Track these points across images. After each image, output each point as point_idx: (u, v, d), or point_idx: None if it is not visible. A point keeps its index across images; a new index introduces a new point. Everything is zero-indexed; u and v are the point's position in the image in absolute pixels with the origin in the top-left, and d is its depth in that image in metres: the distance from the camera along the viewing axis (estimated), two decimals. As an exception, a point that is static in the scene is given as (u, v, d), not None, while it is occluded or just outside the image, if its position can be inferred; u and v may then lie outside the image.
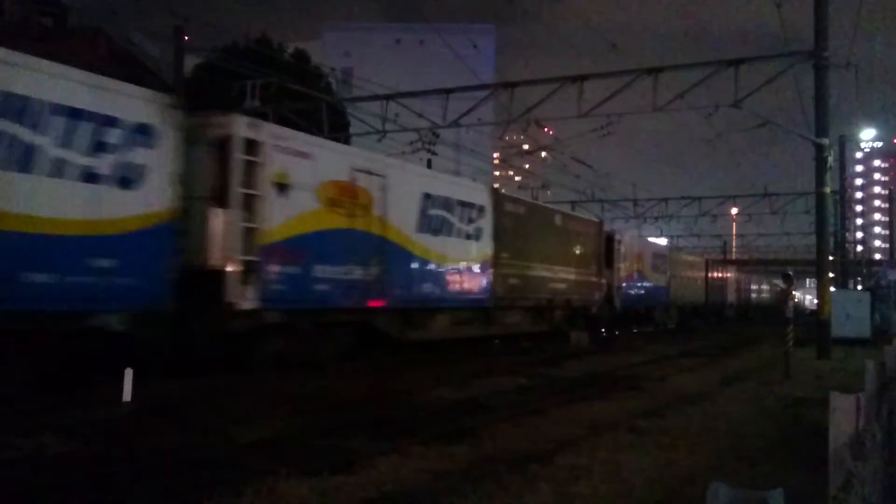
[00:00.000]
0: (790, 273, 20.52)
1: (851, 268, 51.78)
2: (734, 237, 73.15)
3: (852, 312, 25.73)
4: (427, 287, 17.34)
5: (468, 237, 18.91)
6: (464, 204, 18.70)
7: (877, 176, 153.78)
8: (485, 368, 15.67)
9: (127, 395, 10.05)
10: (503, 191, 24.74)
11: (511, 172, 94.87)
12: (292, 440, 8.20)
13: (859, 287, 48.33)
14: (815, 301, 23.54)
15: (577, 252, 25.21)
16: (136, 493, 5.99)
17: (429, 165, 33.35)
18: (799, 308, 56.85)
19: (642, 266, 33.41)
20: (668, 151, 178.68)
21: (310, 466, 6.66)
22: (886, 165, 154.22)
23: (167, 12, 23.74)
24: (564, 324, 24.26)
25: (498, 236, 19.99)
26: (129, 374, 10.09)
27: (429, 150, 26.42)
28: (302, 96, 25.73)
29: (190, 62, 29.06)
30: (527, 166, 68.31)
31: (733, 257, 72.77)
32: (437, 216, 17.65)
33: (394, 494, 6.13)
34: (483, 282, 19.56)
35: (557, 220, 24.45)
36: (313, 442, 8.10)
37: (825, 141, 19.71)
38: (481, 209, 19.48)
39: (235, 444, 8.00)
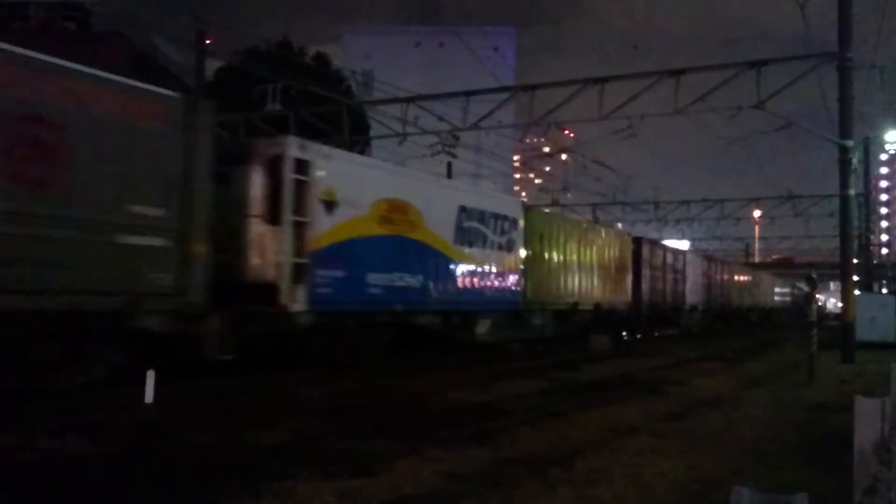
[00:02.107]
0: (813, 275, 20.36)
1: (876, 271, 51.34)
2: (756, 240, 72.66)
3: (877, 316, 25.49)
4: None
5: None
6: None
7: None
8: (503, 372, 15.66)
9: (149, 396, 10.12)
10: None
11: (531, 175, 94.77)
12: (311, 442, 8.21)
13: (884, 290, 47.90)
14: (839, 304, 23.31)
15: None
16: (157, 494, 6.03)
17: (449, 168, 33.45)
18: (822, 311, 54.31)
19: (420, 228, 17.25)
20: (689, 153, 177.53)
21: (330, 469, 6.67)
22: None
23: (189, 16, 23.93)
24: None
25: None
26: (150, 376, 10.15)
27: (449, 153, 26.44)
28: (322, 99, 25.85)
29: (211, 65, 29.27)
30: (547, 169, 68.28)
31: (756, 260, 72.19)
32: None
33: (414, 497, 6.12)
34: None
35: None
36: (333, 444, 8.10)
37: (849, 143, 19.52)
38: None
39: (255, 446, 8.02)
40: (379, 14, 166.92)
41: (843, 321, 20.19)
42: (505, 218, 20.62)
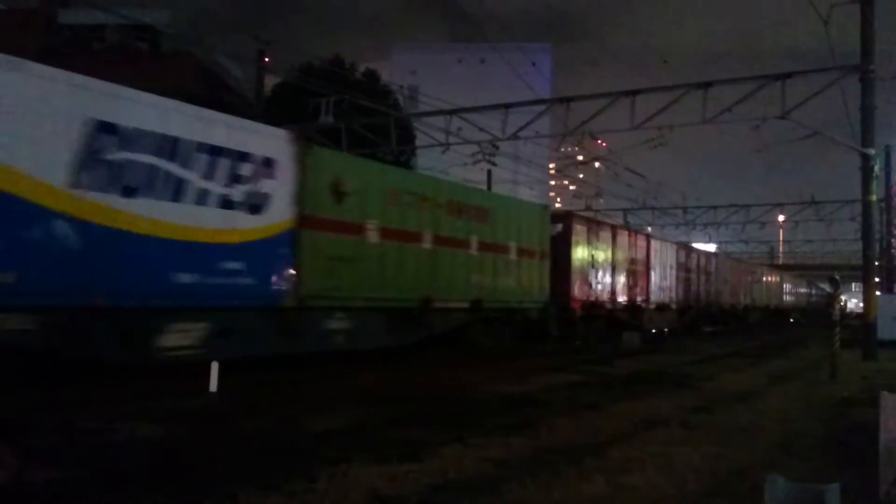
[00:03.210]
0: (837, 277, 19.90)
1: (897, 273, 50.08)
2: (781, 243, 71.39)
3: (898, 316, 24.86)
4: None
5: None
6: None
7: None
8: (539, 366, 15.58)
9: (213, 385, 10.26)
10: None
11: (566, 182, 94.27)
12: (361, 430, 8.24)
13: (904, 292, 46.72)
14: (860, 305, 22.80)
15: None
16: (221, 474, 6.09)
17: (489, 176, 33.39)
18: (843, 311, 51.74)
19: None
20: (717, 161, 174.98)
21: (378, 454, 6.68)
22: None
23: (250, 36, 24.24)
24: None
25: None
26: (215, 366, 10.30)
27: (489, 162, 26.39)
28: (371, 112, 25.99)
29: (270, 81, 29.60)
30: (581, 176, 67.80)
31: (780, 262, 70.87)
32: None
33: (457, 481, 6.10)
34: None
35: None
36: (381, 432, 8.12)
37: (871, 151, 19.09)
38: None
39: (309, 432, 8.08)
40: (424, 33, 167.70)
41: (864, 320, 19.76)
42: (241, 156, 11.94)
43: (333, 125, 23.81)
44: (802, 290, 66.95)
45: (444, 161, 25.28)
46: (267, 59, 25.65)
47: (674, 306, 30.16)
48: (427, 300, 15.79)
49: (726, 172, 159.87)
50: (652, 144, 23.54)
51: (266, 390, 11.03)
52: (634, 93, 20.83)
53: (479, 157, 25.68)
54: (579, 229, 22.63)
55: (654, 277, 28.35)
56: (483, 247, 17.69)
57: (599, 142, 35.10)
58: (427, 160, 30.29)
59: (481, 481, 6.11)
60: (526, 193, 49.28)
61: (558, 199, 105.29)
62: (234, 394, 10.18)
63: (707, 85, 20.08)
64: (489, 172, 32.33)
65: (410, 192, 15.69)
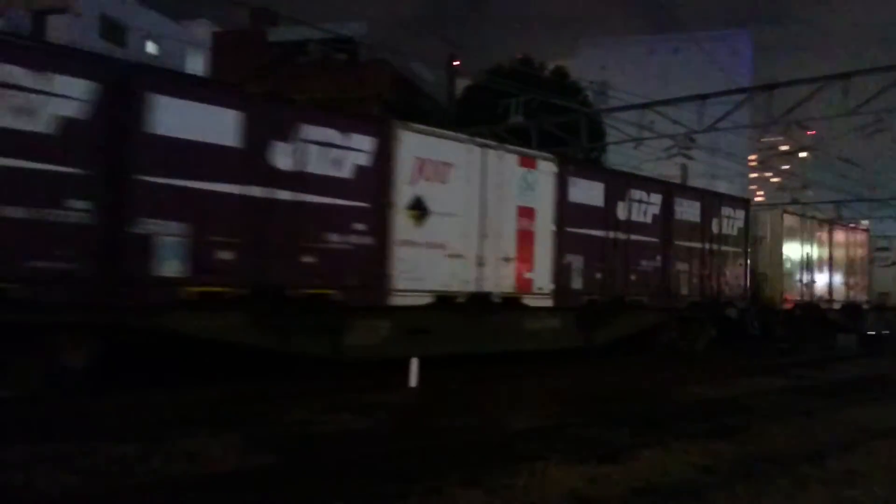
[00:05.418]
0: None
1: None
2: None
3: None
4: None
5: None
6: None
7: None
8: (742, 368, 14.80)
9: (413, 381, 10.63)
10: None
11: (768, 174, 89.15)
12: (558, 429, 8.20)
13: None
14: None
15: None
16: (423, 467, 6.27)
17: (684, 171, 32.24)
18: None
19: None
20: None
21: (577, 454, 6.63)
22: None
23: (441, 41, 24.89)
24: None
25: None
26: (415, 362, 10.67)
27: (685, 155, 25.45)
28: (561, 110, 25.85)
29: (461, 84, 30.22)
30: (786, 167, 63.73)
31: None
32: None
33: (660, 485, 5.93)
34: None
35: None
36: (578, 432, 8.04)
37: None
38: None
39: (507, 429, 8.15)
40: (615, 26, 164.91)
41: None
42: None
43: (523, 125, 23.92)
44: None
45: (637, 156, 24.67)
46: (457, 63, 26.22)
47: (545, 303, 13.57)
48: None
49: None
50: (868, 131, 21.71)
51: (463, 387, 11.25)
52: (847, 76, 19.28)
53: (674, 150, 24.80)
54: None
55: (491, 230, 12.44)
56: None
57: (807, 131, 32.63)
58: (619, 156, 29.72)
59: (685, 487, 5.90)
60: (724, 187, 47.04)
61: (760, 193, 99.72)
62: (433, 389, 10.47)
63: (935, 62, 18.21)
64: (684, 166, 31.23)
65: None
